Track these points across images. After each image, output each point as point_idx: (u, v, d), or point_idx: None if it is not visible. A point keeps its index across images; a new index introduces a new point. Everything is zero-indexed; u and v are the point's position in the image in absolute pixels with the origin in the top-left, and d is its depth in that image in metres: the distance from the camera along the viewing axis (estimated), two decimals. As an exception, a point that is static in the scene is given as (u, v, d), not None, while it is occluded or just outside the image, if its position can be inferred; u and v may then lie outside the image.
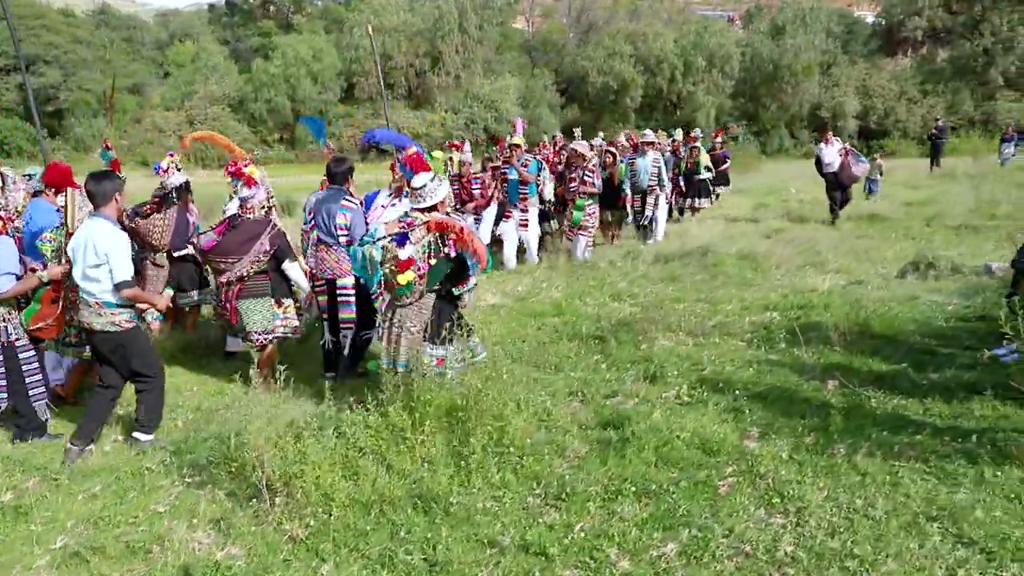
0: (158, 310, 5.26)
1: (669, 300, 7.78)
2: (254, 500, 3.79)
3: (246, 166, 6.09)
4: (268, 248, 5.60)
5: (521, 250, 10.10)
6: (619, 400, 5.04)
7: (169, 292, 5.71)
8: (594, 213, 9.95)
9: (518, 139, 9.58)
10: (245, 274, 5.59)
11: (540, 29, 44.00)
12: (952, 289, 7.52)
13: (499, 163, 9.93)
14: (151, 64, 42.41)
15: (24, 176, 6.37)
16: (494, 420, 4.19)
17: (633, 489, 3.72)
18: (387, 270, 4.47)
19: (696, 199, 12.95)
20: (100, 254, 4.38)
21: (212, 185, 17.75)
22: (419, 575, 3.24)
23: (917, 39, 37.03)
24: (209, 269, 6.53)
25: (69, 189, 5.19)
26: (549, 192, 10.07)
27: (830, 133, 13.29)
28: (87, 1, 48.56)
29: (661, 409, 4.72)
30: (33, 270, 4.90)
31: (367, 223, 6.28)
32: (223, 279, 5.65)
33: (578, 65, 36.91)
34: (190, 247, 6.50)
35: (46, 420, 5.12)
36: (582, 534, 3.41)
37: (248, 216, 5.71)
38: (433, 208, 4.64)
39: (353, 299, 5.97)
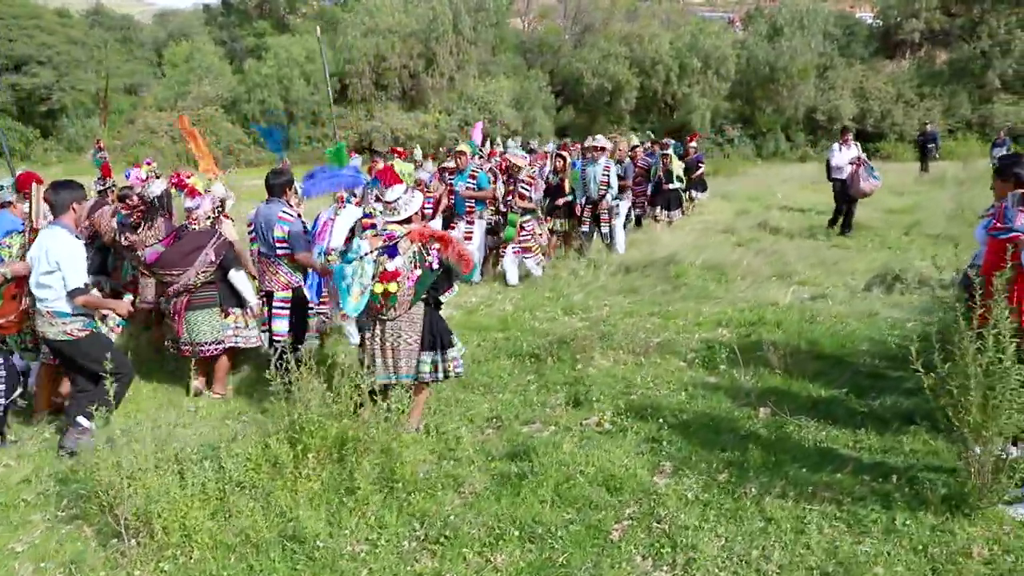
0: (119, 315, 5.28)
1: (621, 314, 7.49)
2: (115, 540, 3.52)
3: (189, 177, 6.20)
4: (213, 258, 5.56)
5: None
6: (536, 428, 4.76)
7: (129, 298, 5.65)
8: (532, 229, 9.12)
9: (463, 146, 9.21)
10: (191, 285, 5.55)
11: (536, 30, 43.67)
12: (916, 304, 7.22)
13: (448, 170, 9.52)
14: (146, 64, 42.27)
15: None
16: (383, 453, 3.92)
17: (517, 533, 3.44)
18: (375, 284, 4.41)
19: (666, 210, 11.90)
20: (52, 261, 4.37)
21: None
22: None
23: (915, 41, 36.54)
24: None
25: (33, 185, 5.20)
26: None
27: (850, 135, 11.99)
28: (85, 1, 48.50)
29: (573, 439, 4.44)
30: None
31: (312, 236, 6.31)
32: (170, 291, 5.61)
33: (573, 67, 36.52)
34: None
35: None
36: (451, 586, 3.14)
37: (193, 227, 5.68)
38: (408, 220, 4.58)
39: (287, 312, 5.83)
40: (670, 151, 12.00)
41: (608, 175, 9.68)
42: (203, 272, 5.55)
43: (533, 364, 6.05)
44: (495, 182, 9.14)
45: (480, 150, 10.27)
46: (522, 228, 8.94)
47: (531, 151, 12.32)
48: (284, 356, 5.88)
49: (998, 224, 4.13)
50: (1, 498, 4.21)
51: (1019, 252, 3.74)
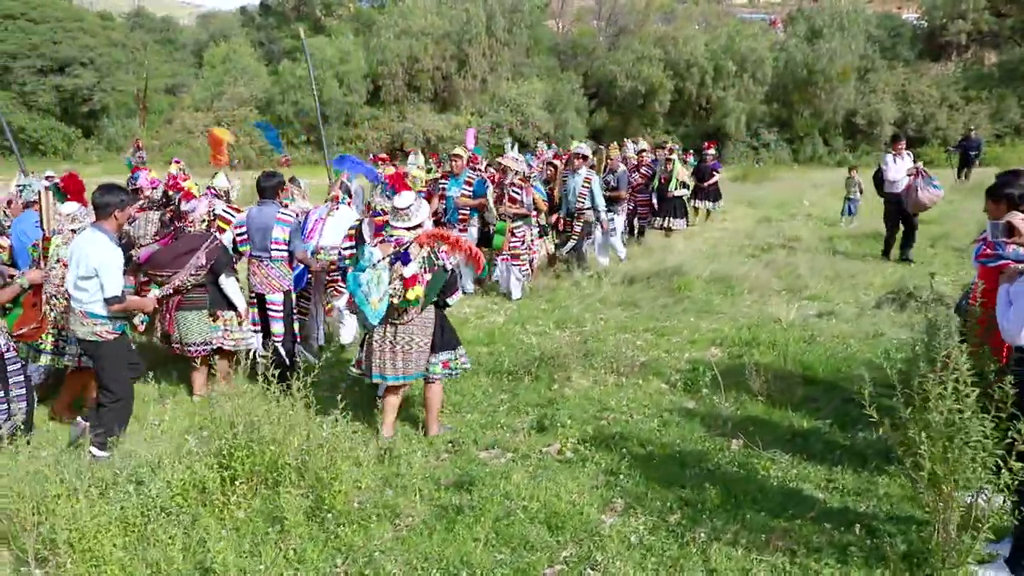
0: (145, 312, 5.52)
1: (615, 329, 7.21)
2: (23, 569, 3.39)
3: (184, 180, 6.36)
4: (204, 262, 5.57)
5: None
6: (494, 454, 4.53)
7: (156, 292, 5.60)
8: (523, 237, 8.52)
9: (459, 149, 8.97)
10: (182, 286, 5.60)
11: (570, 32, 43.29)
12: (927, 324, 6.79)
13: (439, 176, 9.23)
14: (186, 65, 43.02)
15: (45, 177, 6.63)
16: (316, 480, 3.73)
17: (439, 576, 3.22)
18: (393, 290, 4.44)
19: (670, 219, 11.40)
20: (90, 267, 4.43)
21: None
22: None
23: (961, 43, 35.25)
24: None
25: (40, 190, 5.36)
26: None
27: (902, 143, 10.51)
28: (128, 3, 49.58)
29: (528, 469, 4.19)
30: (12, 276, 5.02)
31: (310, 236, 6.49)
32: (161, 292, 5.63)
33: (607, 69, 36.06)
34: None
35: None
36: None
37: (188, 229, 5.71)
38: (418, 226, 4.64)
39: (282, 314, 5.86)
40: (674, 156, 11.56)
41: (589, 186, 8.90)
42: (193, 275, 5.57)
43: (510, 383, 5.82)
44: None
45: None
46: (512, 234, 8.43)
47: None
48: (280, 360, 5.88)
49: (987, 251, 3.79)
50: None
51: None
